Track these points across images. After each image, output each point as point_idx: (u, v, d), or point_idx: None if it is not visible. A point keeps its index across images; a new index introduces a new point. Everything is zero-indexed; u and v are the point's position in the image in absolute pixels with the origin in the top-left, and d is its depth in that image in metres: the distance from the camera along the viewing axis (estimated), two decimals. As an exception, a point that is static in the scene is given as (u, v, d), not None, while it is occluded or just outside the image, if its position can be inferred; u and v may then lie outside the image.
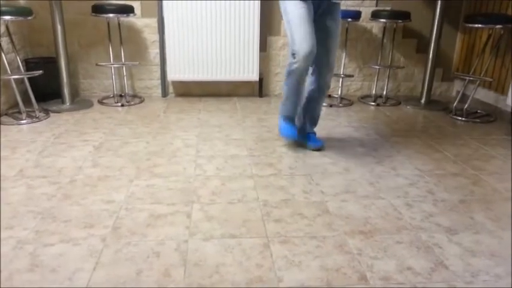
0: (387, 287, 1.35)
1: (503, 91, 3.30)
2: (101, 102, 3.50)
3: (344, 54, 3.64)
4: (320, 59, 2.31)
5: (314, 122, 2.57)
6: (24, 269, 1.40)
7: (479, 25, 3.15)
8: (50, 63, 3.38)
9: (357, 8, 3.54)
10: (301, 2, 2.14)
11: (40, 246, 1.52)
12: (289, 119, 2.47)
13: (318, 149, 2.50)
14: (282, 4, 2.24)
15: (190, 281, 1.36)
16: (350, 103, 3.62)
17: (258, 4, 3.43)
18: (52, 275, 1.38)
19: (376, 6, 3.67)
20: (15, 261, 1.44)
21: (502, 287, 1.37)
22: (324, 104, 3.54)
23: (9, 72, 2.94)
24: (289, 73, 2.29)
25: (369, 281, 1.38)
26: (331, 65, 2.34)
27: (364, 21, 3.68)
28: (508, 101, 3.06)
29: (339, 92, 3.68)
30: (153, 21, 3.57)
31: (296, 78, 2.28)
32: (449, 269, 1.44)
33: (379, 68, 3.75)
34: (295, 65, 2.21)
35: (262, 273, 1.40)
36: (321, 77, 2.37)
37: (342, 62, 3.65)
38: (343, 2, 2.23)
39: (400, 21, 3.51)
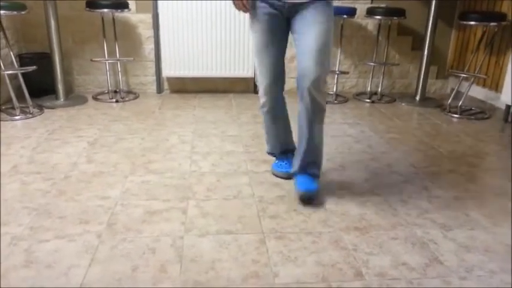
0: (382, 283, 1.36)
1: (497, 88, 3.32)
2: (95, 98, 3.48)
3: (339, 51, 3.64)
4: (299, 65, 1.78)
5: (311, 159, 1.89)
6: (20, 265, 1.40)
7: (474, 22, 3.16)
8: (44, 59, 3.35)
9: (352, 5, 3.54)
10: (255, 24, 1.82)
11: (35, 243, 1.52)
12: (280, 152, 2.12)
13: (308, 197, 1.85)
14: None
15: (186, 277, 1.36)
16: (345, 100, 3.63)
17: (253, 0, 3.43)
18: (47, 271, 1.37)
19: (372, 3, 3.67)
20: (11, 257, 1.43)
21: (495, 282, 1.38)
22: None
23: (2, 67, 2.91)
24: (261, 110, 1.99)
25: (364, 276, 1.39)
26: (307, 69, 1.71)
27: (359, 18, 3.68)
28: (504, 99, 3.07)
29: (334, 89, 3.69)
30: (147, 17, 3.55)
31: (269, 116, 1.99)
32: (444, 265, 1.45)
33: (374, 65, 3.76)
34: (261, 100, 1.94)
35: (258, 269, 1.41)
36: (300, 84, 1.76)
37: (337, 59, 3.65)
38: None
39: (395, 18, 3.51)
